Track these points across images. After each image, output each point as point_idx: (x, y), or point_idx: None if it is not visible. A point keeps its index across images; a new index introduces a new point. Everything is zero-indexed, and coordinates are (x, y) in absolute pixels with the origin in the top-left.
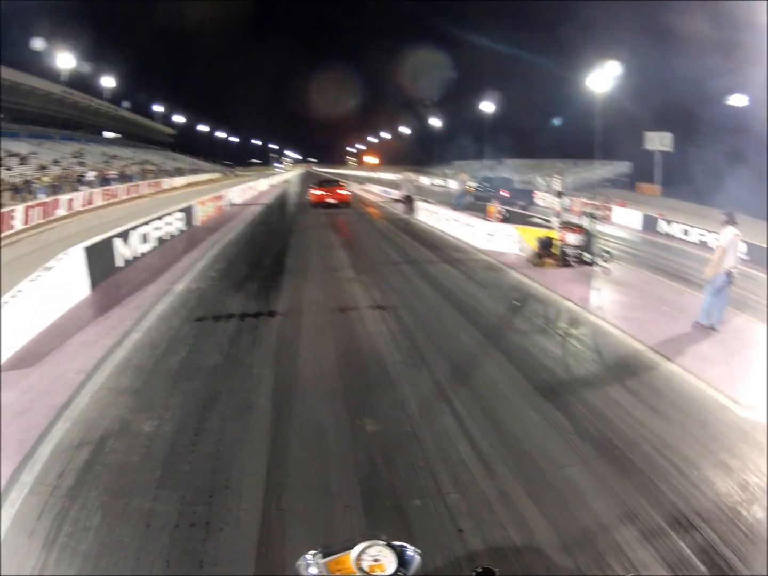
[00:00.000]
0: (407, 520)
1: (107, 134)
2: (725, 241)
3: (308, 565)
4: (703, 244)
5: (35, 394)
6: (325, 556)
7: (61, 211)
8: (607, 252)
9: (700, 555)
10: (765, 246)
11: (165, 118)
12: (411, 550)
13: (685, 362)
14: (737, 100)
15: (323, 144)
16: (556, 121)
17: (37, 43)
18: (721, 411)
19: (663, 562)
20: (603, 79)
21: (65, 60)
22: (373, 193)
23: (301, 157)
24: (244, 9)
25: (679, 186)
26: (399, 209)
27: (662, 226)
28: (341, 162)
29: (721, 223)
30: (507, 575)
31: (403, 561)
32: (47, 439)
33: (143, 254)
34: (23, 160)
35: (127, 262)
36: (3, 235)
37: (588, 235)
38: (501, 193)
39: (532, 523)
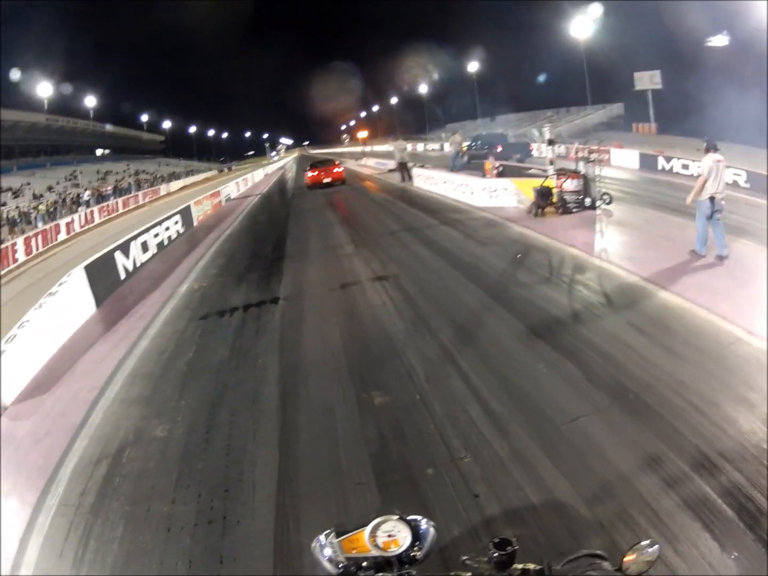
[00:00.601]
0: (421, 491)
1: (98, 152)
2: (706, 168)
3: (323, 547)
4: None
5: (52, 418)
6: (338, 535)
7: (62, 235)
8: (608, 194)
9: (727, 498)
10: (765, 173)
11: (153, 126)
12: (425, 523)
13: (695, 297)
14: (719, 41)
15: (315, 125)
16: (542, 78)
17: (14, 74)
18: (736, 344)
19: (688, 509)
20: (586, 23)
21: (44, 88)
22: (369, 166)
23: (294, 142)
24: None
25: (674, 122)
26: (396, 179)
27: (661, 163)
28: (335, 140)
29: (702, 151)
30: (524, 544)
31: (417, 535)
32: (67, 459)
33: (145, 262)
34: (16, 192)
35: (130, 273)
36: (7, 270)
37: (585, 179)
38: (495, 149)
39: (548, 480)
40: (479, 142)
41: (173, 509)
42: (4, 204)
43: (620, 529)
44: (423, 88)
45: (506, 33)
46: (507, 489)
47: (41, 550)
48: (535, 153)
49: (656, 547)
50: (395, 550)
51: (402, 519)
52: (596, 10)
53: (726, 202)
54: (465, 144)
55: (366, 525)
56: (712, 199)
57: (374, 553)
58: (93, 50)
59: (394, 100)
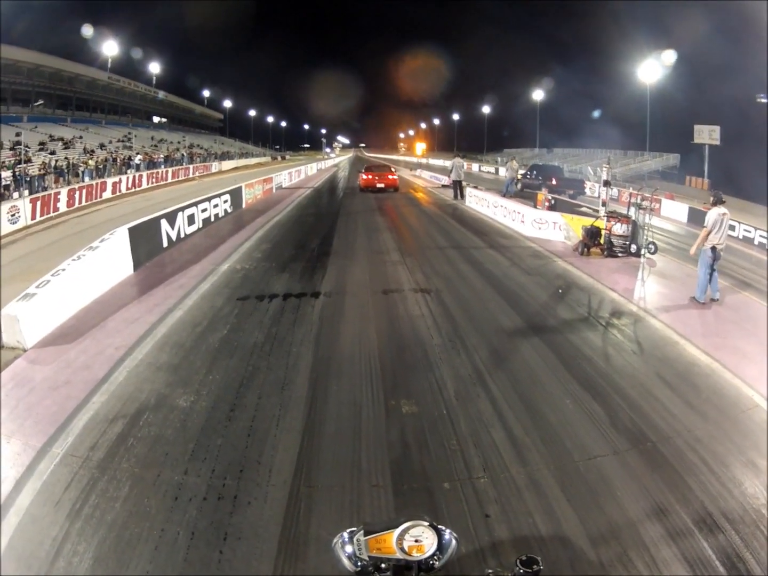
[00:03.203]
0: (435, 503)
1: (155, 119)
2: (711, 220)
3: (345, 543)
4: (748, 240)
5: (73, 369)
6: (366, 534)
7: (107, 194)
8: (653, 243)
9: (721, 557)
10: None
11: (214, 103)
12: (448, 534)
13: (723, 357)
14: None
15: (374, 129)
16: (596, 113)
17: (86, 30)
18: (753, 410)
19: (684, 561)
20: (654, 69)
21: (110, 47)
22: (423, 178)
23: (350, 143)
24: None
25: (727, 181)
26: (448, 195)
27: None
28: (391, 147)
29: (709, 204)
30: (549, 565)
31: (441, 544)
32: (82, 412)
33: (189, 235)
34: (67, 144)
35: (173, 243)
36: (47, 216)
37: (635, 225)
38: (549, 181)
39: (558, 512)
40: (534, 172)
41: (184, 480)
42: (53, 153)
43: (618, 570)
44: (485, 110)
45: (575, 69)
46: (518, 514)
47: (37, 495)
48: (587, 191)
49: None
50: (418, 556)
51: (432, 526)
52: (668, 58)
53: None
54: (521, 171)
55: (395, 527)
56: (713, 249)
57: (398, 555)
58: (164, 19)
59: (455, 117)
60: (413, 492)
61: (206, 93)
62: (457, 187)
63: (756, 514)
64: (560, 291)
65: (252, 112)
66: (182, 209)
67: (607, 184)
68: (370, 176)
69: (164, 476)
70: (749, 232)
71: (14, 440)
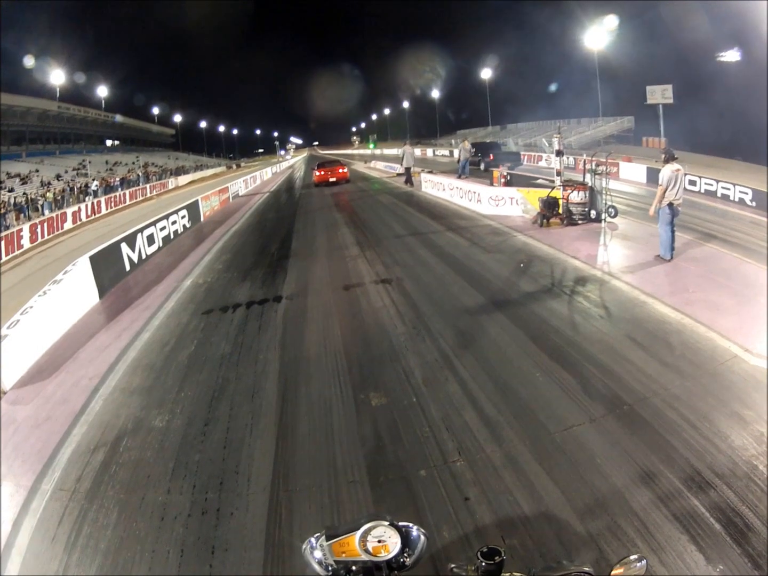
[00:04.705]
0: (413, 492)
1: (108, 143)
2: (666, 178)
3: (313, 549)
4: (710, 194)
5: (52, 404)
6: (329, 538)
7: (68, 224)
8: (613, 207)
9: (715, 513)
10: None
11: (164, 119)
12: (416, 530)
13: (694, 312)
14: (731, 56)
15: (325, 126)
16: (553, 87)
17: (29, 62)
18: (732, 361)
19: (676, 521)
20: (600, 35)
21: (57, 76)
22: (377, 169)
23: (303, 142)
24: (235, 3)
25: (684, 138)
26: (403, 183)
27: None
28: (345, 142)
29: (661, 162)
30: (513, 549)
31: (407, 541)
32: (65, 445)
33: (150, 255)
34: (24, 179)
35: (136, 265)
36: (11, 256)
37: (592, 191)
38: (487, 157)
39: (540, 487)
40: (474, 150)
41: (168, 499)
42: (11, 190)
43: (608, 538)
44: (435, 94)
45: (521, 42)
46: (498, 494)
47: (34, 532)
48: (543, 163)
49: (644, 562)
50: (384, 555)
51: (393, 525)
52: (611, 22)
53: (733, 221)
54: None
55: (357, 529)
56: (671, 205)
57: (364, 557)
58: (107, 41)
59: (405, 104)
60: (390, 483)
61: (155, 110)
62: (410, 174)
63: (747, 466)
64: (522, 265)
65: (203, 124)
66: (141, 230)
67: (559, 153)
68: (322, 172)
69: (149, 498)
70: (711, 185)
71: (6, 482)
